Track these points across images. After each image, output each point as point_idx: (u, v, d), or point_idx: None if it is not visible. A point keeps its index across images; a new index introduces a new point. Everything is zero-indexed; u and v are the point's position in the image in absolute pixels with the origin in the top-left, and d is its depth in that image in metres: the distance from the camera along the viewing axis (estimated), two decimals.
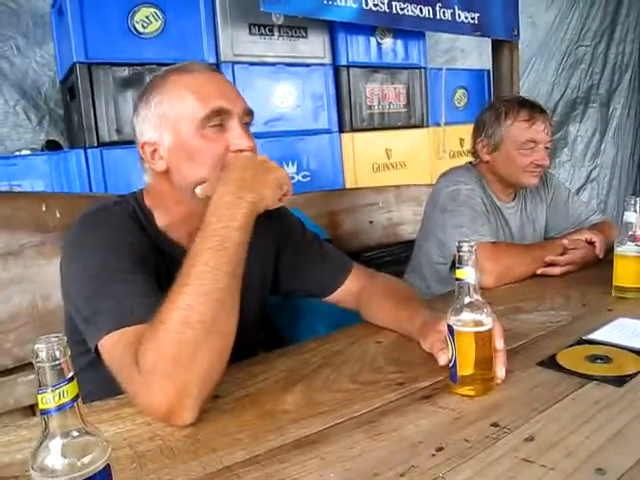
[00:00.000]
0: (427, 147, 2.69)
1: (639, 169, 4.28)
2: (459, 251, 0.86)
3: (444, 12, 2.58)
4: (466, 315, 0.88)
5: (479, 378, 0.89)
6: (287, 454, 0.77)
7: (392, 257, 2.27)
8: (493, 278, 1.50)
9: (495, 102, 1.79)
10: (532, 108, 1.71)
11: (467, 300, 0.88)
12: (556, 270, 1.57)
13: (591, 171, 4.12)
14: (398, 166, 2.58)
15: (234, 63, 2.17)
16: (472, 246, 0.85)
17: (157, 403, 0.83)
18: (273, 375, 1.05)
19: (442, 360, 0.93)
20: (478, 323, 0.87)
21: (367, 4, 2.32)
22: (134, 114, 1.09)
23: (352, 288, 1.28)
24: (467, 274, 0.87)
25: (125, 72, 1.98)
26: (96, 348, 0.92)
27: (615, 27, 4.08)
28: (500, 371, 0.90)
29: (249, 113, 1.08)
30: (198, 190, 1.03)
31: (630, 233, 1.33)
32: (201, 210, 0.95)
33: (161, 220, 1.10)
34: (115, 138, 1.98)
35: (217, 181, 0.98)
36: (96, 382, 0.90)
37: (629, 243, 1.33)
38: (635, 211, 1.32)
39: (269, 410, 0.91)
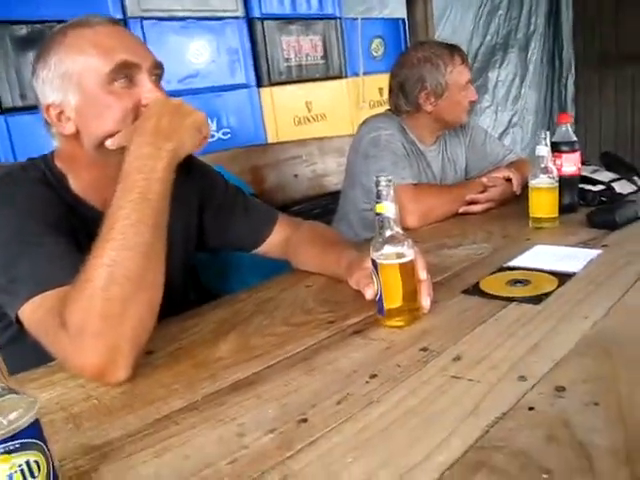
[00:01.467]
0: (347, 98, 2.69)
1: (551, 112, 4.44)
2: (377, 186, 0.87)
3: None
4: (388, 249, 0.89)
5: (406, 309, 0.91)
6: (224, 397, 0.78)
7: (319, 209, 2.27)
8: (417, 218, 1.54)
9: (416, 54, 1.77)
10: (459, 50, 1.77)
11: (388, 234, 0.89)
12: (477, 207, 1.63)
13: (513, 115, 4.23)
14: (319, 118, 2.58)
15: (143, 19, 2.08)
16: (389, 180, 0.87)
17: (89, 363, 0.81)
18: (206, 326, 1.04)
19: (368, 294, 0.95)
20: (400, 255, 0.89)
21: None
22: (33, 77, 1.01)
23: (279, 238, 1.28)
24: (386, 208, 0.88)
25: (23, 31, 1.85)
26: (18, 318, 0.88)
27: None
28: (425, 301, 0.93)
29: (159, 66, 1.04)
30: (109, 142, 0.99)
31: (542, 166, 1.39)
32: (115, 173, 0.91)
33: (75, 184, 1.05)
34: (19, 104, 1.86)
35: (131, 132, 0.94)
36: (23, 356, 0.87)
37: (542, 175, 1.39)
38: (546, 145, 1.38)
39: (203, 359, 0.91)
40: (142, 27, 2.08)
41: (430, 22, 2.93)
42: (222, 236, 1.28)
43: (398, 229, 0.89)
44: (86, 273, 0.82)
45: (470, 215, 1.63)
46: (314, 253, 1.22)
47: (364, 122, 1.79)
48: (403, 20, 3.00)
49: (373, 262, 0.91)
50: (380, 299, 0.92)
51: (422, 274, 0.93)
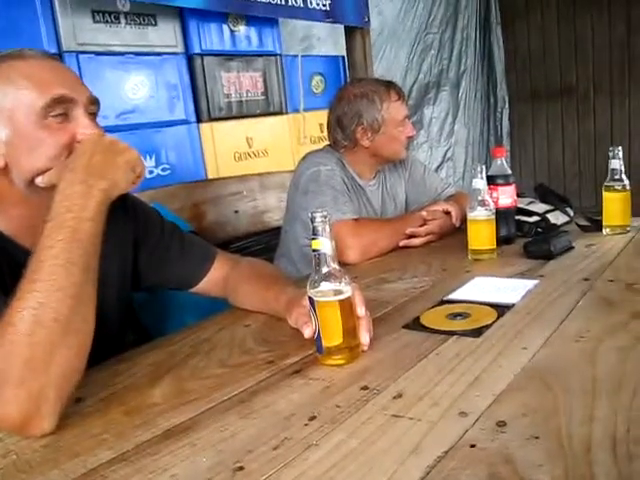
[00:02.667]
0: (288, 134, 2.69)
1: (487, 146, 4.59)
2: (313, 222, 0.86)
3: None
4: (325, 285, 0.88)
5: (345, 347, 0.89)
6: (157, 445, 0.73)
7: (261, 245, 2.25)
8: (357, 253, 1.54)
9: (353, 89, 1.79)
10: (395, 87, 1.80)
11: (325, 270, 0.88)
12: (417, 241, 1.64)
13: (447, 150, 4.35)
14: (260, 154, 2.57)
15: (78, 53, 2.04)
16: (325, 217, 0.86)
17: (10, 414, 0.76)
18: (140, 370, 1.00)
19: (306, 333, 0.93)
20: (337, 292, 0.88)
21: None
22: None
23: (218, 276, 1.25)
24: (323, 244, 0.87)
25: None
26: None
27: (458, 15, 4.33)
28: (364, 338, 0.92)
29: (94, 102, 1.01)
30: (40, 180, 0.95)
31: (479, 199, 1.41)
32: (47, 212, 0.86)
33: (4, 224, 0.99)
34: None
35: (63, 169, 0.90)
36: None
37: (479, 208, 1.42)
38: (482, 178, 1.41)
39: (136, 406, 0.86)
40: (78, 62, 2.03)
41: (369, 59, 2.99)
42: (158, 275, 1.24)
43: (335, 265, 0.88)
44: (9, 316, 0.77)
45: (411, 249, 1.64)
46: (253, 290, 1.20)
47: (304, 158, 1.79)
48: (343, 57, 3.05)
49: (310, 300, 0.89)
50: (319, 337, 0.90)
51: (360, 310, 0.91)
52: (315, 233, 0.86)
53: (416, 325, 1.03)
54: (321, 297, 0.88)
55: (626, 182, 1.56)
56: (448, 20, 4.28)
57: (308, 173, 1.70)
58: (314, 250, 0.87)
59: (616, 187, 1.56)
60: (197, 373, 0.96)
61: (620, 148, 1.55)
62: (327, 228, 0.86)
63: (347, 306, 0.89)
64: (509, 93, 4.61)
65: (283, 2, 2.53)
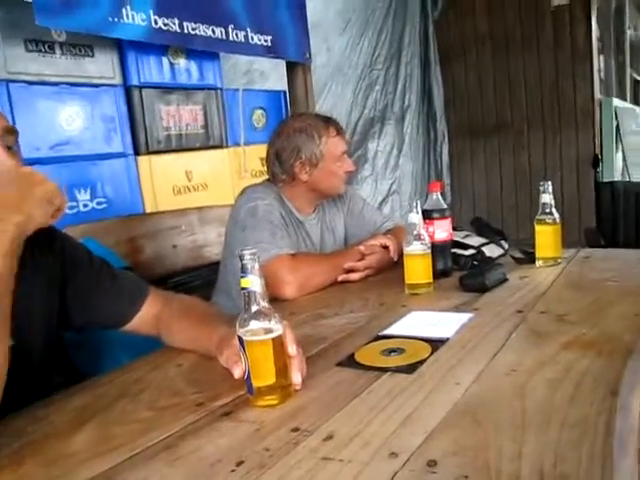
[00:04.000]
0: (228, 168, 2.68)
1: (428, 180, 4.69)
2: (241, 260, 0.84)
3: (237, 34, 2.60)
4: (254, 324, 0.86)
5: (277, 387, 0.87)
6: None
7: (200, 280, 2.20)
8: (295, 288, 1.52)
9: (292, 124, 1.80)
10: (334, 123, 1.81)
11: (254, 309, 0.86)
12: (355, 276, 1.64)
13: (392, 184, 4.42)
14: (200, 188, 2.54)
15: (9, 82, 1.98)
16: (254, 254, 0.84)
17: None
18: (61, 416, 0.94)
19: (236, 373, 0.90)
20: (267, 331, 0.86)
21: (157, 23, 2.26)
22: None
23: (150, 314, 1.21)
24: (252, 282, 0.85)
25: None
26: None
27: (402, 52, 4.46)
28: (296, 377, 0.89)
29: (10, 132, 0.97)
30: None
31: (415, 233, 1.43)
32: None
33: None
34: None
35: None
36: None
37: (415, 242, 1.43)
38: (417, 212, 1.42)
39: (55, 455, 0.81)
40: (8, 91, 1.96)
41: (310, 95, 3.02)
42: (87, 314, 1.18)
43: (265, 303, 0.86)
44: None
45: (349, 283, 1.63)
46: (185, 329, 1.16)
47: (242, 192, 1.78)
48: (284, 92, 3.07)
49: (240, 339, 0.86)
50: (249, 378, 0.87)
51: (292, 349, 0.89)
52: (244, 271, 0.84)
53: (350, 362, 1.01)
54: (250, 336, 0.85)
55: (556, 216, 1.61)
56: (392, 57, 4.39)
57: (246, 208, 1.68)
58: (243, 288, 0.86)
59: (547, 220, 1.61)
60: (124, 417, 0.91)
61: (550, 183, 1.60)
62: (256, 266, 0.84)
63: (278, 345, 0.86)
64: (448, 128, 4.75)
65: (224, 37, 2.54)
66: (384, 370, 0.96)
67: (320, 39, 3.73)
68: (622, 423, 0.76)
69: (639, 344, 1.02)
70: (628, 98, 5.93)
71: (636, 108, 5.92)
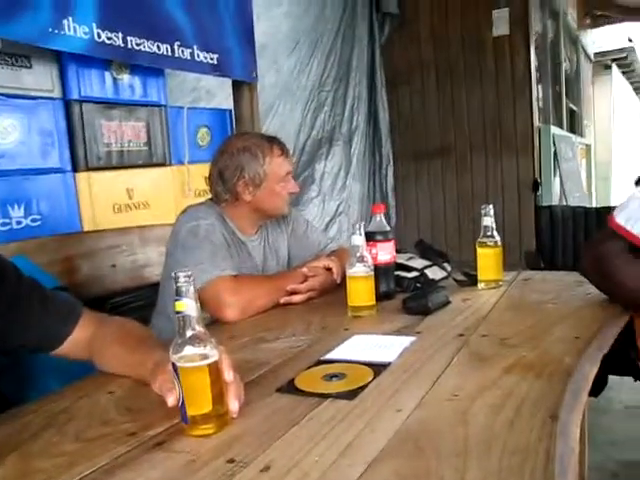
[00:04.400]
0: (171, 186, 2.62)
1: (374, 202, 4.72)
2: (176, 283, 0.81)
3: (183, 51, 2.57)
4: (189, 350, 0.82)
5: (213, 415, 0.83)
6: None
7: (141, 301, 2.13)
8: (236, 311, 1.49)
9: (236, 143, 1.77)
10: (279, 143, 1.79)
11: (189, 334, 0.82)
12: (298, 298, 1.62)
13: (339, 205, 4.42)
14: (141, 206, 2.47)
15: None
16: (189, 276, 0.81)
17: None
18: None
19: (170, 401, 0.86)
20: (202, 357, 0.82)
21: (99, 36, 2.20)
22: None
23: (82, 337, 1.15)
24: (187, 306, 0.81)
25: None
26: None
27: (350, 75, 4.49)
28: (233, 405, 0.86)
29: None
30: None
31: (358, 255, 1.42)
32: None
33: None
34: None
35: None
36: None
37: (358, 264, 1.42)
38: (360, 234, 1.42)
39: None
40: None
41: (256, 114, 3.00)
42: (14, 337, 1.11)
43: (200, 328, 0.82)
44: None
45: (291, 306, 1.61)
46: (119, 353, 1.10)
47: (184, 211, 1.74)
48: (230, 111, 3.05)
49: (173, 365, 0.82)
50: (183, 406, 0.83)
51: (228, 376, 0.85)
52: (178, 294, 0.81)
53: (290, 388, 0.98)
54: (184, 363, 0.81)
55: (497, 238, 1.63)
56: (341, 79, 4.43)
57: (187, 227, 1.64)
58: (177, 312, 0.82)
59: (488, 243, 1.63)
60: (48, 449, 0.85)
61: (491, 206, 1.63)
62: (191, 288, 0.81)
63: (213, 371, 0.83)
64: (393, 151, 4.81)
65: (169, 53, 2.50)
66: (325, 396, 0.94)
67: (269, 60, 3.73)
68: (562, 448, 0.76)
69: (578, 366, 1.03)
70: (565, 126, 6.17)
71: (572, 136, 6.17)
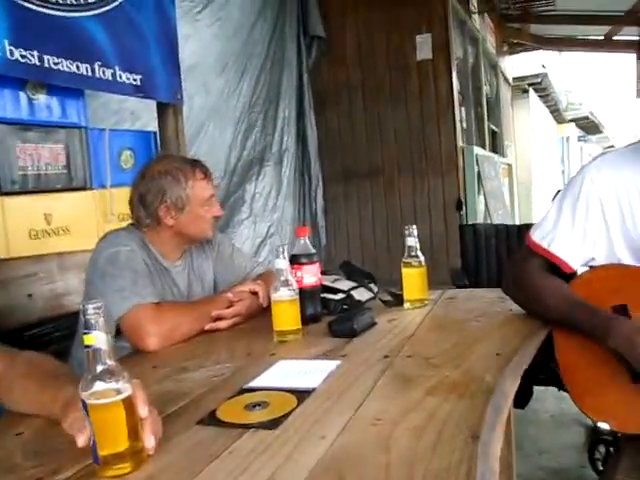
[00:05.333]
0: (93, 211, 2.52)
1: (304, 223, 4.73)
2: (85, 315, 0.76)
3: (104, 71, 2.50)
4: (100, 385, 0.77)
5: (127, 453, 0.79)
6: None
7: (60, 332, 2.03)
8: (158, 340, 1.44)
9: (157, 166, 1.73)
10: (201, 166, 1.75)
11: (100, 369, 0.77)
12: (223, 324, 1.58)
13: (270, 226, 4.39)
14: (60, 232, 2.36)
15: None
16: (99, 307, 0.76)
17: None
18: None
19: (79, 441, 0.81)
20: (115, 392, 0.78)
21: (12, 54, 2.11)
22: None
23: None
24: (96, 339, 0.77)
25: None
26: None
27: (280, 96, 4.52)
28: (148, 441, 0.81)
29: None
30: None
31: (282, 279, 1.40)
32: None
33: None
34: None
35: None
36: None
37: (282, 288, 1.40)
38: (284, 258, 1.40)
39: None
40: None
41: (181, 136, 2.95)
42: None
43: (112, 362, 0.78)
44: None
45: (216, 332, 1.57)
46: (29, 390, 1.04)
47: (103, 237, 1.68)
48: (155, 133, 2.98)
49: (83, 403, 0.77)
50: (94, 445, 0.78)
51: (143, 411, 0.81)
52: (87, 327, 0.76)
53: (211, 419, 0.95)
54: (94, 399, 0.77)
55: (422, 258, 1.65)
56: (271, 100, 4.44)
57: (106, 254, 1.58)
58: (86, 346, 0.77)
59: (413, 263, 1.65)
60: None
61: (414, 227, 1.65)
62: (101, 320, 0.76)
63: (127, 407, 0.78)
64: (323, 173, 4.85)
65: (90, 73, 2.43)
66: (247, 427, 0.91)
67: (198, 81, 3.70)
68: (483, 468, 0.76)
69: (499, 384, 1.05)
70: (487, 146, 6.40)
71: (494, 156, 6.41)
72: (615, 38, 7.66)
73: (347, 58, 4.84)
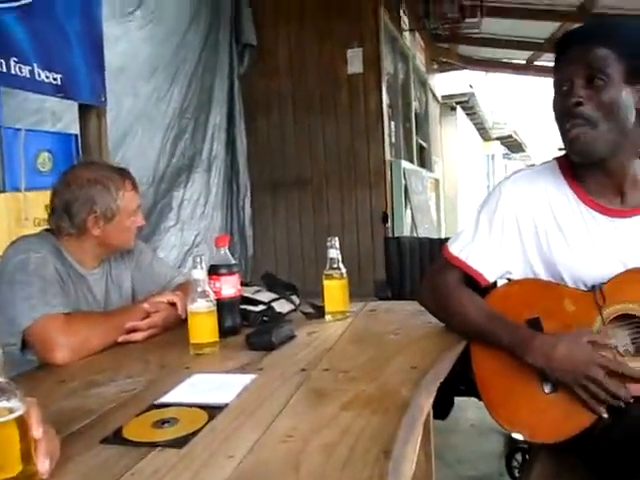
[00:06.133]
0: (5, 215, 2.38)
1: (232, 233, 4.68)
2: None
3: (20, 68, 2.38)
4: None
5: (20, 478, 0.73)
6: None
7: None
8: (68, 353, 1.37)
9: (85, 174, 1.65)
10: (130, 176, 1.71)
11: None
12: (138, 336, 1.52)
13: (197, 235, 4.31)
14: None
15: None
16: None
17: None
18: None
19: None
20: (6, 411, 0.73)
21: None
22: None
23: None
24: None
25: None
26: None
27: (212, 103, 4.46)
28: (42, 464, 0.76)
29: None
30: None
31: (199, 290, 1.36)
32: None
33: None
34: None
35: None
36: None
37: (199, 300, 1.37)
38: (201, 268, 1.37)
39: None
40: None
41: (104, 140, 2.85)
42: None
43: (2, 379, 0.73)
44: None
45: (131, 344, 1.51)
46: None
47: (14, 242, 1.59)
48: (76, 136, 2.87)
49: None
50: None
51: (36, 432, 0.76)
52: None
53: (117, 438, 0.90)
54: None
55: (343, 270, 1.66)
56: (202, 106, 4.38)
57: (15, 260, 1.49)
58: None
59: (334, 275, 1.65)
60: None
61: (336, 239, 1.65)
62: None
63: (20, 427, 0.73)
64: (251, 182, 4.82)
65: (4, 69, 2.31)
66: (153, 445, 0.87)
67: (127, 84, 3.59)
68: None
69: (414, 398, 1.05)
70: (415, 161, 6.55)
71: (422, 170, 6.57)
72: (536, 63, 8.05)
73: (279, 68, 4.84)
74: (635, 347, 1.29)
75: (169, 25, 4.03)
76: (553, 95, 1.35)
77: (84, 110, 2.85)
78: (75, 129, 2.97)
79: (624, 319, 1.30)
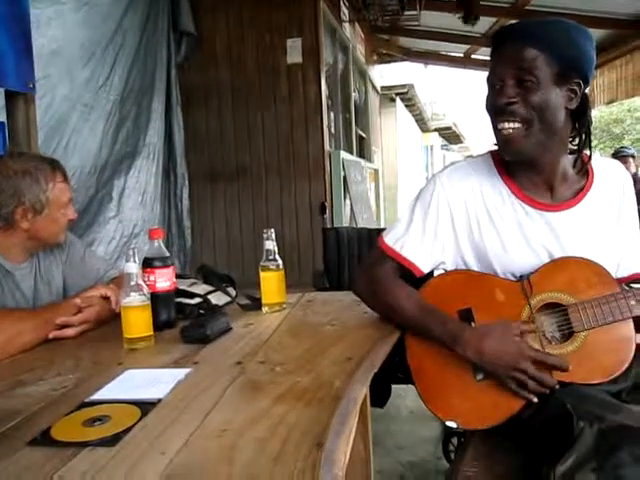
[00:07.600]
0: None
1: (169, 224, 4.61)
2: None
3: None
4: None
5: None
6: None
7: None
8: None
9: (13, 165, 1.58)
10: (60, 167, 1.66)
11: None
12: (70, 332, 1.48)
13: (135, 225, 4.20)
14: None
15: None
16: None
17: None
18: None
19: None
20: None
21: None
22: None
23: None
24: None
25: None
26: None
27: (154, 87, 4.37)
28: None
29: None
30: None
31: (132, 283, 1.34)
32: None
33: None
34: None
35: None
36: None
37: (133, 294, 1.34)
38: (135, 261, 1.34)
39: None
40: None
41: (33, 129, 2.74)
42: None
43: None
44: None
45: (62, 340, 1.47)
46: None
47: None
48: (3, 124, 2.75)
49: None
50: None
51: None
52: None
53: (44, 439, 0.88)
54: None
55: (280, 262, 1.66)
56: (145, 92, 4.29)
57: None
58: None
59: (271, 267, 1.66)
60: None
61: (273, 230, 1.66)
62: None
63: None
64: (189, 172, 4.75)
65: None
66: (83, 445, 0.85)
67: (62, 69, 3.47)
68: (326, 476, 0.77)
69: (348, 389, 1.07)
70: (354, 152, 6.60)
71: (361, 161, 6.62)
72: (473, 56, 8.24)
73: (217, 57, 4.78)
74: (561, 334, 1.35)
75: (104, 10, 3.91)
76: (487, 92, 1.38)
77: (11, 97, 2.73)
78: (2, 117, 2.85)
79: (551, 307, 1.36)
